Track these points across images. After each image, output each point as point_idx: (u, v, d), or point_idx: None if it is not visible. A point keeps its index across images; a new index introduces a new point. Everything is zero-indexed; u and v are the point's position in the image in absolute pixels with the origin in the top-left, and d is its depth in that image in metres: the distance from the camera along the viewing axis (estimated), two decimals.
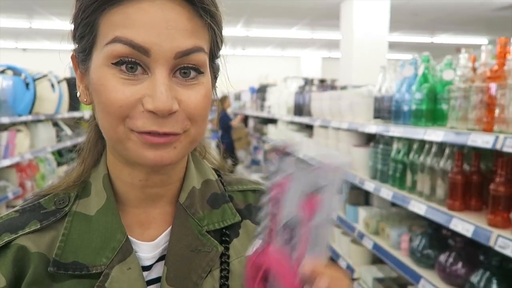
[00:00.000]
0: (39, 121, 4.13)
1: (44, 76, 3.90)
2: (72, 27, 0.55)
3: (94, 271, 0.54)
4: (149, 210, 0.61)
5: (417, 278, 1.80)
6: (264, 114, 5.47)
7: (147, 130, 0.50)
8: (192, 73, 0.53)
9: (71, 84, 4.52)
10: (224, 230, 0.63)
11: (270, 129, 5.18)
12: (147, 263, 0.58)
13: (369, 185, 2.27)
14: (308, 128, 4.08)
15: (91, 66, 0.53)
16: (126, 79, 0.50)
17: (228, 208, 0.64)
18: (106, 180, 0.59)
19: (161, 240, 0.60)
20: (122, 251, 0.55)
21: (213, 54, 0.58)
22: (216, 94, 0.64)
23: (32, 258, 0.54)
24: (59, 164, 4.71)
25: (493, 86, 1.51)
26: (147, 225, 0.60)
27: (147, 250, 0.59)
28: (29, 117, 3.68)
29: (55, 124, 4.76)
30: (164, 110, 0.49)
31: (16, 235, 0.55)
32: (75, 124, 5.56)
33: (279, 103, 4.72)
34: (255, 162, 6.31)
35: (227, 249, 0.61)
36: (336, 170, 0.45)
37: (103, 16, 0.51)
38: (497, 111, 1.47)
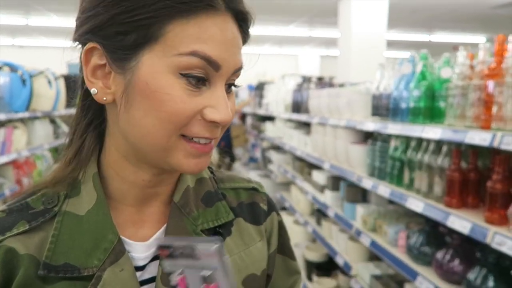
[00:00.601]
0: (36, 118, 4.12)
1: (41, 73, 3.89)
2: (100, 19, 0.51)
3: (86, 273, 0.53)
4: (143, 209, 0.60)
5: (414, 275, 1.81)
6: (262, 112, 5.47)
7: (201, 136, 0.53)
8: (232, 86, 0.57)
9: (68, 81, 4.51)
10: (217, 229, 0.63)
11: (268, 126, 5.17)
12: (141, 263, 0.58)
13: (367, 183, 2.28)
14: (306, 126, 4.08)
15: (139, 68, 0.51)
16: (192, 91, 0.51)
17: (222, 206, 0.65)
18: (96, 179, 0.58)
19: (154, 240, 0.59)
20: (114, 252, 0.54)
21: None
22: None
23: (21, 260, 0.53)
24: (56, 161, 4.69)
25: (490, 84, 1.51)
26: (140, 224, 0.59)
27: (141, 250, 0.58)
28: (26, 114, 3.66)
29: (52, 121, 4.74)
30: (228, 121, 0.53)
31: (4, 237, 0.53)
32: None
33: (277, 100, 4.71)
34: (253, 160, 6.31)
35: None
36: (212, 256, 0.48)
37: (173, 23, 0.49)
38: (494, 109, 1.48)
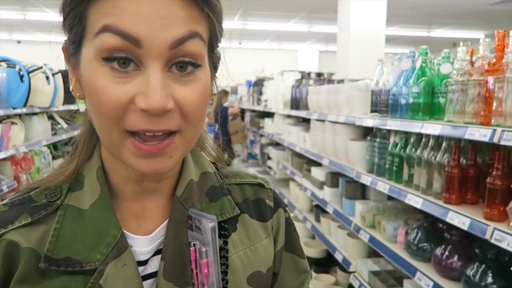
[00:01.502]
0: (34, 114, 4.10)
1: (39, 68, 3.87)
2: (62, 17, 0.52)
3: (87, 268, 0.52)
4: (145, 203, 0.59)
5: (413, 271, 1.81)
6: (261, 108, 5.46)
7: (139, 129, 0.47)
8: (189, 68, 0.49)
9: (66, 76, 4.49)
10: (222, 224, 0.61)
11: (267, 122, 5.17)
12: (143, 257, 0.57)
13: (366, 179, 2.27)
14: (305, 122, 4.07)
15: (81, 60, 0.50)
16: (118, 77, 0.46)
17: (227, 201, 0.63)
18: (100, 173, 0.57)
19: (158, 234, 0.58)
20: (117, 246, 0.54)
21: (212, 45, 0.55)
22: (216, 86, 0.61)
23: (23, 253, 0.52)
24: (54, 157, 4.68)
25: (490, 79, 1.51)
26: (143, 219, 0.59)
27: (143, 244, 0.57)
28: (24, 110, 3.65)
29: (50, 117, 4.72)
30: (158, 108, 0.46)
31: (6, 230, 0.53)
32: (70, 117, 5.53)
33: (275, 96, 4.70)
34: (251, 156, 6.30)
35: (225, 243, 0.60)
36: (208, 233, 0.54)
37: (92, 5, 0.47)
38: (494, 104, 1.47)
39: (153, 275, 0.57)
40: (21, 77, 3.55)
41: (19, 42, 12.52)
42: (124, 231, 0.56)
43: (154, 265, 0.57)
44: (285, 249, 0.70)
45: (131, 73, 0.47)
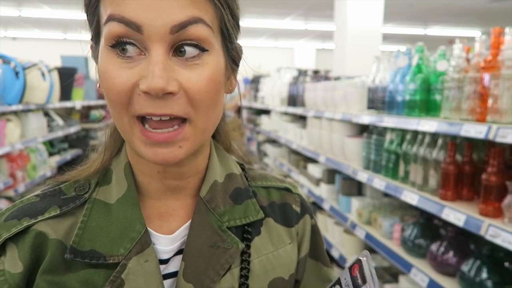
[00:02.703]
0: (30, 110, 4.08)
1: (35, 65, 3.85)
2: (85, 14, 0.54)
3: (111, 261, 0.52)
4: (169, 202, 0.59)
5: (409, 267, 1.82)
6: (258, 105, 5.45)
7: (143, 112, 0.47)
8: (193, 51, 0.48)
9: (62, 73, 4.47)
10: (246, 227, 0.60)
11: (264, 119, 5.17)
12: (165, 256, 0.56)
13: (362, 176, 2.28)
14: (301, 119, 4.07)
15: (98, 53, 0.51)
16: (124, 63, 0.48)
17: (252, 204, 0.62)
18: (127, 169, 0.57)
19: (180, 234, 0.58)
20: (140, 242, 0.54)
21: (226, 33, 0.53)
22: (236, 80, 0.59)
23: (50, 244, 0.53)
24: (51, 154, 4.66)
25: (486, 77, 1.51)
26: (166, 218, 0.58)
27: (166, 243, 0.57)
28: (20, 107, 3.63)
29: (46, 114, 4.70)
30: (157, 88, 0.45)
31: (36, 220, 0.54)
32: (66, 114, 5.51)
33: (272, 94, 4.70)
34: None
35: (248, 247, 0.59)
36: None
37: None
38: (490, 101, 1.48)
39: (173, 274, 0.57)
40: (17, 73, 3.53)
41: (14, 38, 12.44)
42: (148, 228, 0.56)
43: (175, 265, 0.57)
44: (310, 256, 0.69)
45: (135, 58, 0.48)
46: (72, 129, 5.14)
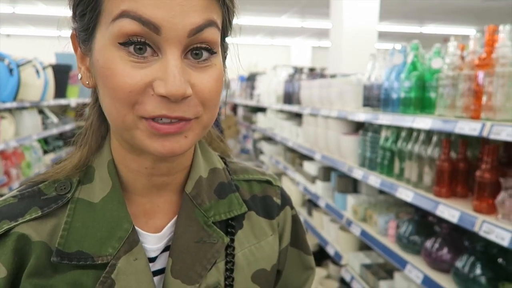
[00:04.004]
0: (24, 108, 4.06)
1: (29, 62, 3.82)
2: (71, 4, 0.51)
3: (99, 262, 0.52)
4: (154, 199, 0.58)
5: (403, 263, 1.83)
6: (254, 103, 5.45)
7: (157, 114, 0.47)
8: (205, 54, 0.49)
9: (56, 70, 4.44)
10: (229, 221, 0.61)
11: (260, 117, 5.17)
12: (153, 255, 0.56)
13: (358, 173, 2.29)
14: (297, 117, 4.08)
15: (94, 47, 0.49)
16: (135, 62, 0.47)
17: (235, 198, 0.62)
18: (111, 166, 0.56)
19: (167, 231, 0.58)
20: (128, 241, 0.53)
21: (224, 32, 0.55)
22: (226, 74, 0.60)
23: (34, 247, 0.51)
24: (45, 152, 4.64)
25: (480, 74, 1.52)
26: (152, 215, 0.58)
27: (153, 242, 0.57)
28: (14, 104, 3.60)
29: (41, 111, 4.68)
30: (178, 94, 0.46)
31: (16, 223, 0.52)
32: (61, 111, 5.48)
33: (268, 91, 4.70)
34: (244, 151, 6.30)
35: (232, 240, 0.60)
36: None
37: None
38: (484, 99, 1.49)
39: (161, 271, 0.57)
40: (11, 70, 3.50)
41: (8, 36, 12.35)
42: (135, 227, 0.55)
43: (162, 262, 0.57)
44: (291, 245, 0.70)
45: (148, 58, 0.47)
46: (67, 127, 5.11)
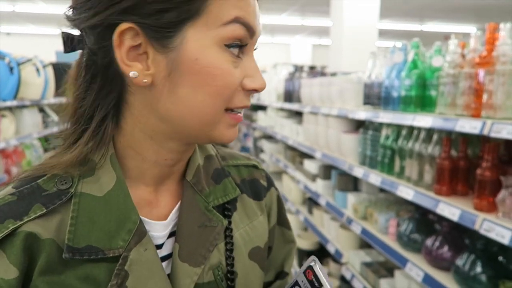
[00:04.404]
0: (24, 106, 4.06)
1: (29, 60, 3.83)
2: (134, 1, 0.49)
3: (111, 255, 0.52)
4: (158, 188, 0.61)
5: (404, 261, 1.83)
6: (254, 101, 5.46)
7: (243, 105, 0.55)
8: None
9: (57, 68, 4.44)
10: (226, 205, 0.65)
11: (260, 115, 5.17)
12: (159, 241, 0.58)
13: (358, 171, 2.29)
14: (297, 115, 4.08)
15: (184, 45, 0.50)
16: (234, 62, 0.52)
17: (229, 183, 0.66)
18: (114, 160, 0.56)
19: (171, 218, 0.60)
20: (137, 232, 0.54)
21: None
22: None
23: (43, 244, 0.51)
24: (46, 150, 4.65)
25: (481, 72, 1.52)
26: (155, 203, 0.60)
27: (160, 229, 0.58)
28: (14, 102, 3.61)
29: (41, 109, 4.68)
30: (263, 88, 0.55)
31: (22, 222, 0.51)
32: (62, 110, 5.47)
33: (268, 89, 4.70)
34: (244, 149, 6.31)
35: (229, 223, 0.64)
36: None
37: None
38: (485, 97, 1.49)
39: (168, 256, 0.59)
40: (11, 69, 3.50)
41: (8, 34, 12.34)
42: (141, 216, 0.56)
43: (168, 248, 0.59)
44: (277, 223, 0.76)
45: (240, 58, 0.54)
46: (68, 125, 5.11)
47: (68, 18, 0.54)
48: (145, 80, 0.52)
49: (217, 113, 0.53)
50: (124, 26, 0.50)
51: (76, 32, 0.56)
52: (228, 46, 0.51)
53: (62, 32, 0.56)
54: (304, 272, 0.59)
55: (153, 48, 0.51)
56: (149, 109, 0.55)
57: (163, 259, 0.58)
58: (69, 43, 0.56)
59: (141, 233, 0.55)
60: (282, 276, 0.77)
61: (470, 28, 10.19)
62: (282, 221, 0.77)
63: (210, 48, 0.51)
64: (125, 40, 0.51)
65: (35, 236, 0.51)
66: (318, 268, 0.58)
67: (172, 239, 0.59)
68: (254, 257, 0.66)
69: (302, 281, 0.59)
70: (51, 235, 0.52)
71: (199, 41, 0.50)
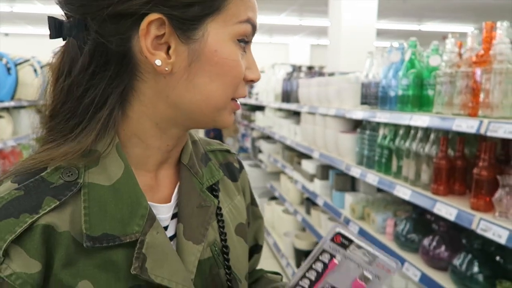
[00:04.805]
0: (22, 107, 4.05)
1: (27, 61, 3.82)
2: None
3: (128, 240, 0.55)
4: (157, 173, 0.64)
5: (401, 261, 1.82)
6: (252, 101, 5.45)
7: (243, 95, 0.61)
8: None
9: None
10: (213, 186, 0.69)
11: (258, 116, 5.16)
12: (165, 224, 0.62)
13: (356, 171, 2.28)
14: (295, 115, 4.07)
15: (205, 37, 0.55)
16: (241, 55, 0.59)
17: (213, 166, 0.71)
18: (120, 149, 0.58)
19: (173, 200, 0.64)
20: (149, 217, 0.57)
21: None
22: None
23: (61, 237, 0.52)
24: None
25: (478, 71, 1.51)
26: (156, 188, 0.63)
27: (165, 212, 0.62)
28: (12, 103, 3.60)
29: (39, 110, 4.66)
30: (260, 78, 0.62)
31: (38, 215, 0.51)
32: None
33: (267, 90, 4.69)
34: (243, 150, 6.30)
35: (218, 202, 0.68)
36: (388, 271, 0.59)
37: None
38: (482, 96, 1.48)
39: (172, 238, 0.62)
40: (8, 69, 3.49)
41: (6, 34, 12.32)
42: (149, 202, 0.59)
43: (172, 228, 0.63)
44: (250, 203, 0.83)
45: (245, 52, 0.60)
46: None
47: (76, 3, 0.54)
48: (167, 69, 0.55)
49: (227, 101, 0.59)
50: (153, 16, 0.53)
51: (63, 18, 0.56)
52: (240, 41, 0.58)
53: (49, 17, 0.56)
54: (332, 239, 0.64)
55: (177, 38, 0.55)
56: (160, 97, 0.57)
57: (170, 239, 0.61)
58: (56, 28, 0.56)
59: (152, 217, 0.57)
60: (257, 249, 0.85)
61: (469, 28, 10.16)
62: (252, 200, 0.84)
63: (227, 42, 0.56)
64: (151, 30, 0.53)
65: (52, 228, 0.51)
66: (344, 230, 0.64)
67: (174, 221, 0.63)
68: (239, 233, 0.72)
69: (330, 247, 0.63)
70: (67, 227, 0.53)
71: (218, 35, 0.56)
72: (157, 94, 0.57)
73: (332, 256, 0.63)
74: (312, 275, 0.62)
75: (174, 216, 0.63)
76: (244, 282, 0.70)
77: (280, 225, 3.88)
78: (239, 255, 0.70)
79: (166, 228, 0.61)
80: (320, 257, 0.63)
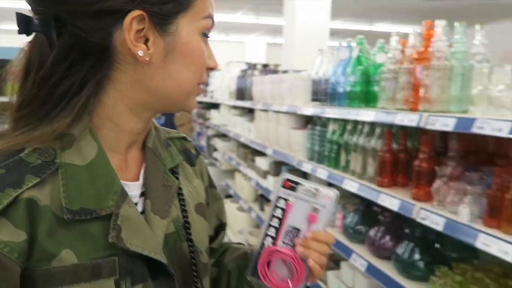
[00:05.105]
0: None
1: None
2: None
3: (104, 213, 0.60)
4: (126, 155, 0.70)
5: (349, 253, 1.87)
6: (207, 99, 5.40)
7: (206, 80, 0.69)
8: None
9: None
10: (174, 169, 0.76)
11: (213, 114, 5.13)
12: (135, 200, 0.68)
13: (307, 166, 2.32)
14: (250, 113, 4.08)
15: (178, 31, 0.64)
16: (205, 46, 0.68)
17: (173, 151, 0.78)
18: (93, 132, 0.64)
19: (141, 180, 0.71)
20: (122, 193, 0.63)
21: None
22: None
23: (42, 211, 0.57)
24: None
25: (418, 68, 1.58)
26: (125, 168, 0.69)
27: (134, 189, 0.68)
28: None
29: None
30: (217, 66, 0.71)
31: (22, 190, 0.56)
32: (1, 110, 5.15)
33: (221, 88, 4.67)
34: (198, 148, 6.23)
35: (180, 183, 0.76)
36: (329, 198, 0.72)
37: None
38: (422, 91, 1.55)
39: (141, 212, 0.68)
40: None
41: None
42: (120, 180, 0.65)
43: (140, 205, 0.69)
44: (208, 185, 0.90)
45: (206, 44, 0.69)
46: (7, 127, 4.82)
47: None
48: (147, 59, 0.62)
49: (195, 86, 0.68)
50: (136, 13, 0.60)
51: (31, 14, 0.61)
52: (204, 34, 0.67)
53: (18, 13, 0.61)
54: (283, 186, 0.74)
55: (156, 32, 0.62)
56: (136, 84, 0.64)
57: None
58: (25, 24, 0.61)
59: (124, 193, 0.64)
60: (222, 227, 0.94)
61: (417, 29, 10.68)
62: (210, 183, 0.91)
63: (195, 35, 0.65)
64: (133, 25, 0.60)
65: (35, 202, 0.56)
66: (290, 176, 0.75)
67: (142, 199, 0.69)
68: (199, 211, 0.79)
69: (283, 192, 0.74)
70: (47, 202, 0.58)
71: (188, 29, 0.65)
72: (134, 82, 0.64)
73: (286, 200, 0.74)
74: (275, 222, 0.74)
75: (141, 194, 0.69)
76: (204, 254, 0.77)
77: (234, 223, 3.88)
78: (199, 231, 0.77)
79: (136, 204, 0.68)
80: (278, 204, 0.74)
